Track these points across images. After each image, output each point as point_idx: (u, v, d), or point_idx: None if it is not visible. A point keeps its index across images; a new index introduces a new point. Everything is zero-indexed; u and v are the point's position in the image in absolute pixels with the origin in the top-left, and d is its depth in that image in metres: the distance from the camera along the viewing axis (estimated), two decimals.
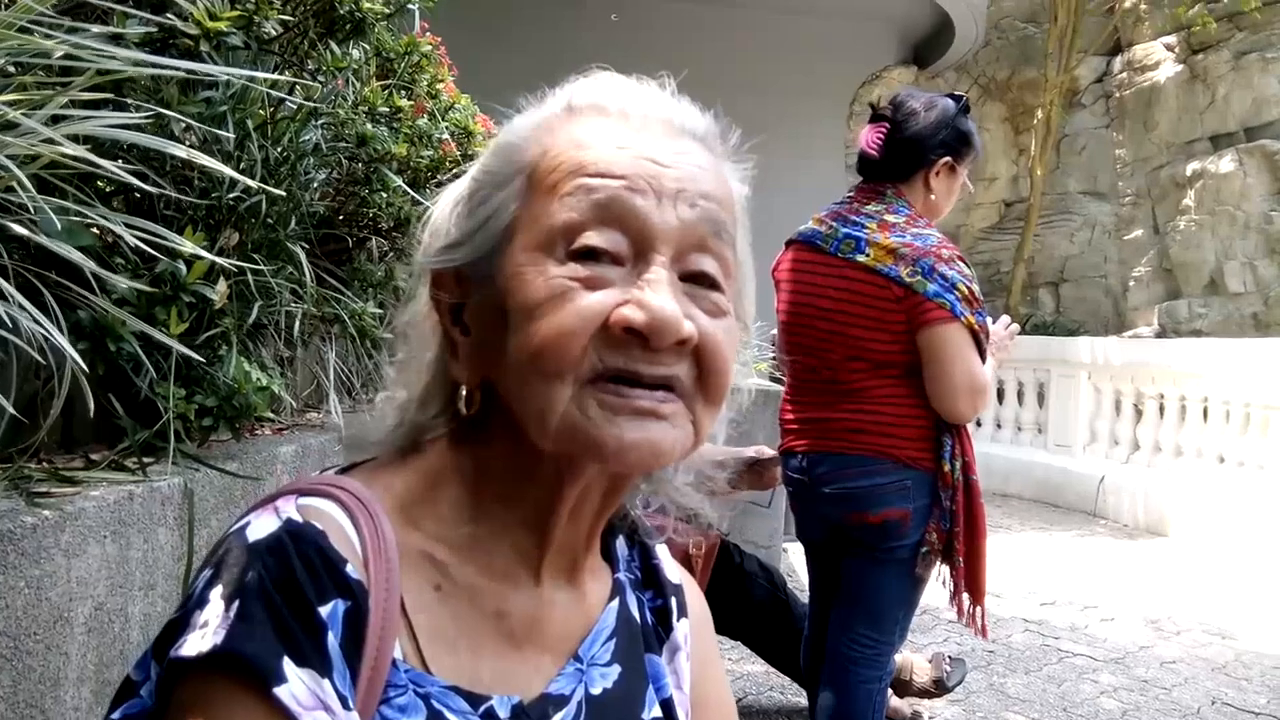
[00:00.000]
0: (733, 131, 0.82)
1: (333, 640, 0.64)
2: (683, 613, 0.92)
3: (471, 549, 0.76)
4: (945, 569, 2.51)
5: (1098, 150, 13.83)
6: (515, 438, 0.73)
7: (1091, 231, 13.84)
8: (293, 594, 0.64)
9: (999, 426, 9.93)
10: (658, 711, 0.85)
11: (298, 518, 0.68)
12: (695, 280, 0.73)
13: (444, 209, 0.81)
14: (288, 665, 0.62)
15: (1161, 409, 8.20)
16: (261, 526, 0.67)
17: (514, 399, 0.73)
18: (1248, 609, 5.65)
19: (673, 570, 0.94)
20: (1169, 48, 12.96)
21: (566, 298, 0.69)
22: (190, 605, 0.65)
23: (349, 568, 0.67)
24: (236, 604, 0.63)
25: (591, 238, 0.70)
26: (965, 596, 2.51)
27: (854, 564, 2.58)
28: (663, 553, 0.93)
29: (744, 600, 3.52)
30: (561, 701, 0.77)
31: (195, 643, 0.62)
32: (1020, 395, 9.76)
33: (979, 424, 9.95)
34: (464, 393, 0.78)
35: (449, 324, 0.78)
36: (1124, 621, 5.31)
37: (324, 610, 0.64)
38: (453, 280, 0.78)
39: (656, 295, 0.69)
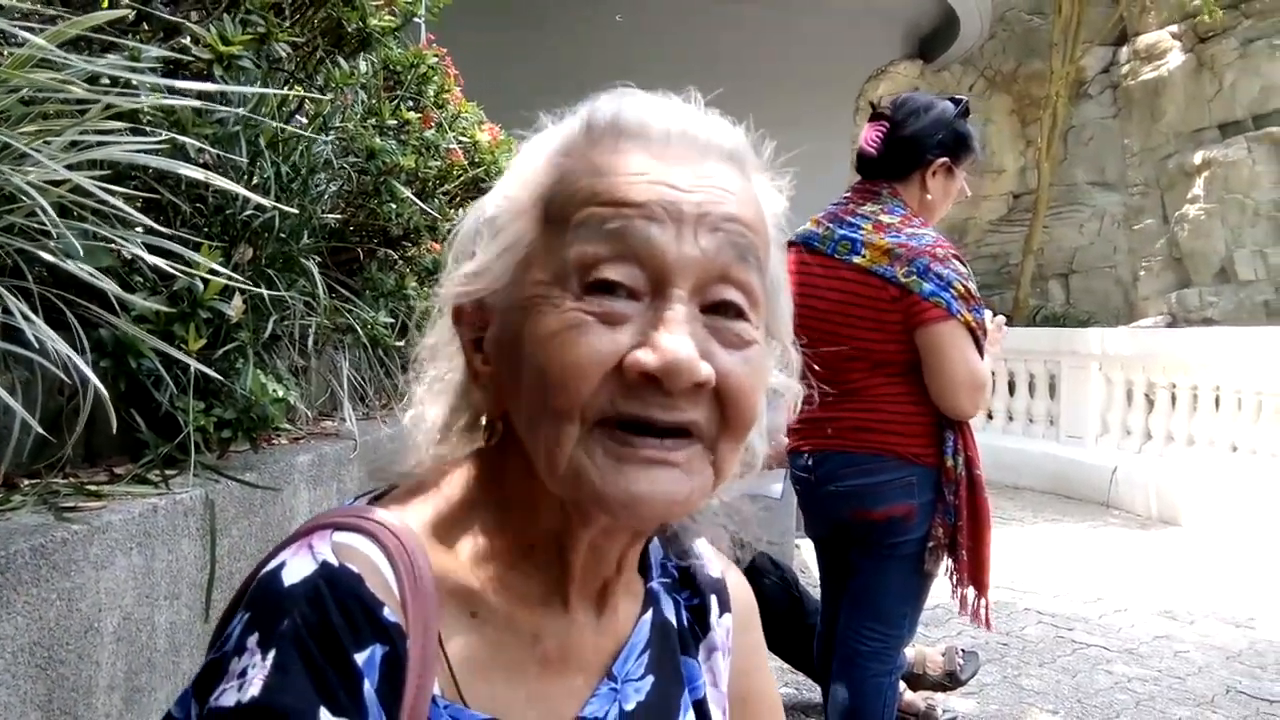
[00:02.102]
0: (765, 144, 0.79)
1: (369, 688, 0.63)
2: (725, 608, 0.91)
3: (503, 576, 0.75)
4: (950, 562, 2.54)
5: (1105, 141, 13.80)
6: (532, 475, 0.71)
7: (1100, 222, 13.81)
8: (329, 643, 0.63)
9: (1010, 419, 9.93)
10: (691, 715, 0.84)
11: (334, 560, 0.66)
12: (718, 310, 0.70)
13: (468, 230, 0.79)
14: (325, 716, 0.61)
15: (1173, 399, 8.19)
16: (297, 569, 0.66)
17: (525, 435, 0.71)
18: (1262, 597, 5.65)
19: (714, 565, 0.92)
20: (1175, 36, 12.93)
21: (579, 333, 0.67)
22: (228, 648, 0.64)
23: (386, 611, 0.65)
24: (273, 654, 0.62)
25: (606, 271, 0.67)
26: (970, 590, 2.54)
27: (860, 560, 2.62)
28: (703, 548, 0.90)
29: (756, 597, 3.56)
30: None
31: (233, 693, 0.61)
32: (1031, 387, 9.76)
33: (990, 416, 9.95)
34: (484, 422, 0.78)
35: (471, 352, 0.77)
36: (1138, 612, 5.32)
37: (360, 658, 0.63)
38: (474, 310, 0.76)
39: (672, 336, 0.66)
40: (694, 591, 0.89)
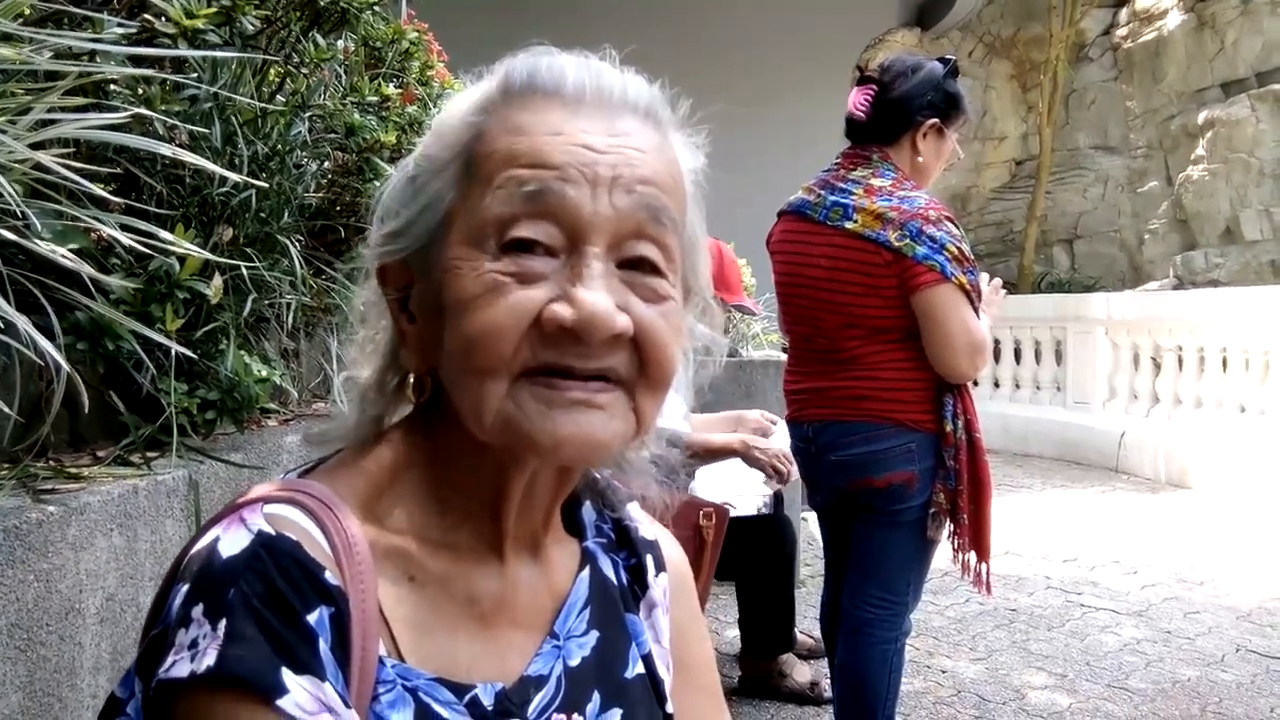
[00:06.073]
0: (682, 102, 0.80)
1: (324, 647, 0.64)
2: (660, 567, 0.92)
3: (438, 538, 0.76)
4: (951, 526, 2.53)
5: (1107, 104, 13.65)
6: (462, 427, 0.73)
7: (1104, 186, 13.69)
8: (280, 606, 0.63)
9: (1017, 386, 9.90)
10: (640, 668, 0.86)
11: (269, 529, 0.67)
12: (634, 266, 0.72)
13: (393, 188, 0.80)
14: (287, 675, 0.62)
15: (1180, 361, 8.16)
16: (233, 541, 0.66)
17: (453, 392, 0.73)
18: (1272, 556, 5.64)
19: (648, 528, 0.94)
20: None
21: (498, 294, 0.69)
22: (171, 622, 0.64)
23: (327, 574, 0.66)
24: (224, 623, 0.62)
25: (523, 229, 0.69)
26: (971, 554, 2.52)
27: (863, 528, 2.60)
28: (635, 511, 0.93)
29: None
30: (541, 682, 0.78)
31: (185, 664, 0.61)
32: (1038, 354, 9.72)
33: (997, 385, 9.92)
34: (412, 380, 0.79)
35: (397, 311, 0.78)
36: (1147, 574, 5.31)
37: (311, 618, 0.64)
38: (398, 269, 0.77)
39: (588, 291, 0.68)
40: (631, 551, 0.92)
